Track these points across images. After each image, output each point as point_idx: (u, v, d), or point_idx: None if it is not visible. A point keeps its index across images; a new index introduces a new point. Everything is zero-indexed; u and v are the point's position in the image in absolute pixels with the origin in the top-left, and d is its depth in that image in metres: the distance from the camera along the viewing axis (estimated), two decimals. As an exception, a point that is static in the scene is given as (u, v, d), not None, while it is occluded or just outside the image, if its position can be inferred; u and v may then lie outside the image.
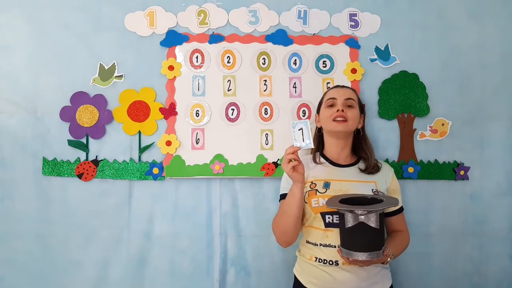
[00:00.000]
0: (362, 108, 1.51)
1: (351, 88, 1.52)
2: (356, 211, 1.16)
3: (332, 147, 1.46)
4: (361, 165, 1.45)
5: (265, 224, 1.66)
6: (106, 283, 1.63)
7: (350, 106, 1.43)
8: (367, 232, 1.17)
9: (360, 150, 1.48)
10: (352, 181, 1.39)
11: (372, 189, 1.36)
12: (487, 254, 1.74)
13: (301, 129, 1.31)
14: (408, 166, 1.68)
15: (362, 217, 1.16)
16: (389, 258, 1.29)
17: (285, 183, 1.42)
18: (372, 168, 1.42)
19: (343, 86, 1.51)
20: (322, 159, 1.47)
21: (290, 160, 1.27)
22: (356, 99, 1.47)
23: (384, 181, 1.42)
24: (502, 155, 1.75)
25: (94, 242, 1.63)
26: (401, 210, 1.45)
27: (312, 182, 1.39)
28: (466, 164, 1.73)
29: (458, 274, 1.72)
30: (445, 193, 1.72)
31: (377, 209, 1.15)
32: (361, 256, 1.17)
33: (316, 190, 1.36)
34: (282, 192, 1.43)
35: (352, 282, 1.30)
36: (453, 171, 1.72)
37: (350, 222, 1.18)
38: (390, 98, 1.70)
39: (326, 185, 1.38)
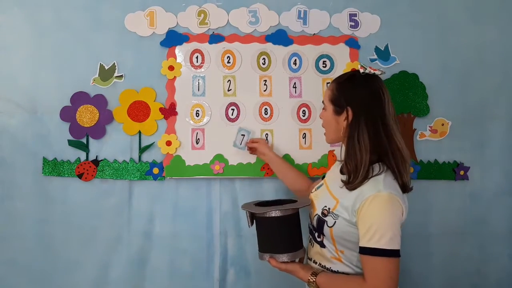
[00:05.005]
0: (340, 103, 1.18)
1: (333, 83, 1.23)
2: (246, 212, 1.25)
3: None
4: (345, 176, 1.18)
5: (265, 224, 1.67)
6: (106, 283, 1.63)
7: (324, 109, 1.27)
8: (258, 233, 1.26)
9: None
10: (327, 191, 1.25)
11: (324, 207, 1.18)
12: (487, 254, 1.74)
13: (243, 135, 1.61)
14: (408, 166, 1.68)
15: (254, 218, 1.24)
16: (311, 281, 1.15)
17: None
18: (348, 184, 1.13)
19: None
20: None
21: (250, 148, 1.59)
22: (329, 97, 1.21)
23: (353, 202, 1.09)
24: (502, 155, 1.75)
25: (94, 242, 1.63)
26: (368, 251, 1.03)
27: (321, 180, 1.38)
28: (466, 164, 1.73)
29: (458, 274, 1.73)
30: (445, 193, 1.72)
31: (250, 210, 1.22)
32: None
33: (314, 187, 1.37)
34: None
35: None
36: (453, 171, 1.72)
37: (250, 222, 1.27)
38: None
39: (319, 187, 1.35)
